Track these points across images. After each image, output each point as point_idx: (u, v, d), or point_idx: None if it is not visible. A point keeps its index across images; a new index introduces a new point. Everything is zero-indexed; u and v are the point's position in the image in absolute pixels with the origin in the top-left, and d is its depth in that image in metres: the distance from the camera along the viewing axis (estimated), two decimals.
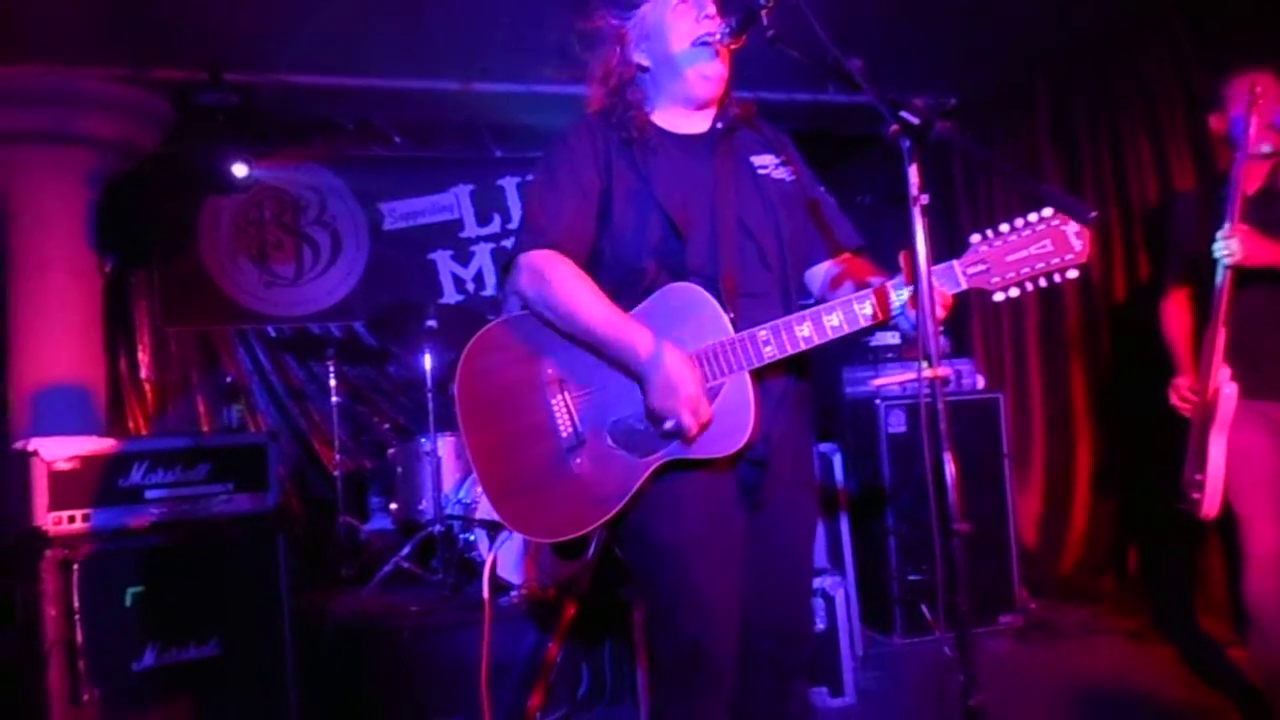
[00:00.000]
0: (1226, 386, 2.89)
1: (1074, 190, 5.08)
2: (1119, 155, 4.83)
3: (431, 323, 4.85)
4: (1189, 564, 4.27)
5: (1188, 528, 3.13)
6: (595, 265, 2.00)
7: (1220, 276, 2.84)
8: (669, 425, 1.82)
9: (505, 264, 2.03)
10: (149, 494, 3.36)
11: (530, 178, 2.21)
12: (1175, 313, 3.25)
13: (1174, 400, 3.11)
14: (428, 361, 4.97)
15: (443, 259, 6.41)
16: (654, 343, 1.84)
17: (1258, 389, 2.91)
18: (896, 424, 4.39)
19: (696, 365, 1.84)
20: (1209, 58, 4.24)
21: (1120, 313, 4.85)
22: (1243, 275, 2.85)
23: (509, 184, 6.46)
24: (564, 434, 1.92)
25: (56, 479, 3.19)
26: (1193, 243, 3.12)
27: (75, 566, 3.08)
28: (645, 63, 2.07)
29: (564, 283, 1.92)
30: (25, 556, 3.11)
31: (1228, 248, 2.81)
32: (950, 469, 1.56)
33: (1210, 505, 2.90)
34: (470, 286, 6.42)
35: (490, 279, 6.42)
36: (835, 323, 1.86)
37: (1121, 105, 4.78)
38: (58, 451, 3.22)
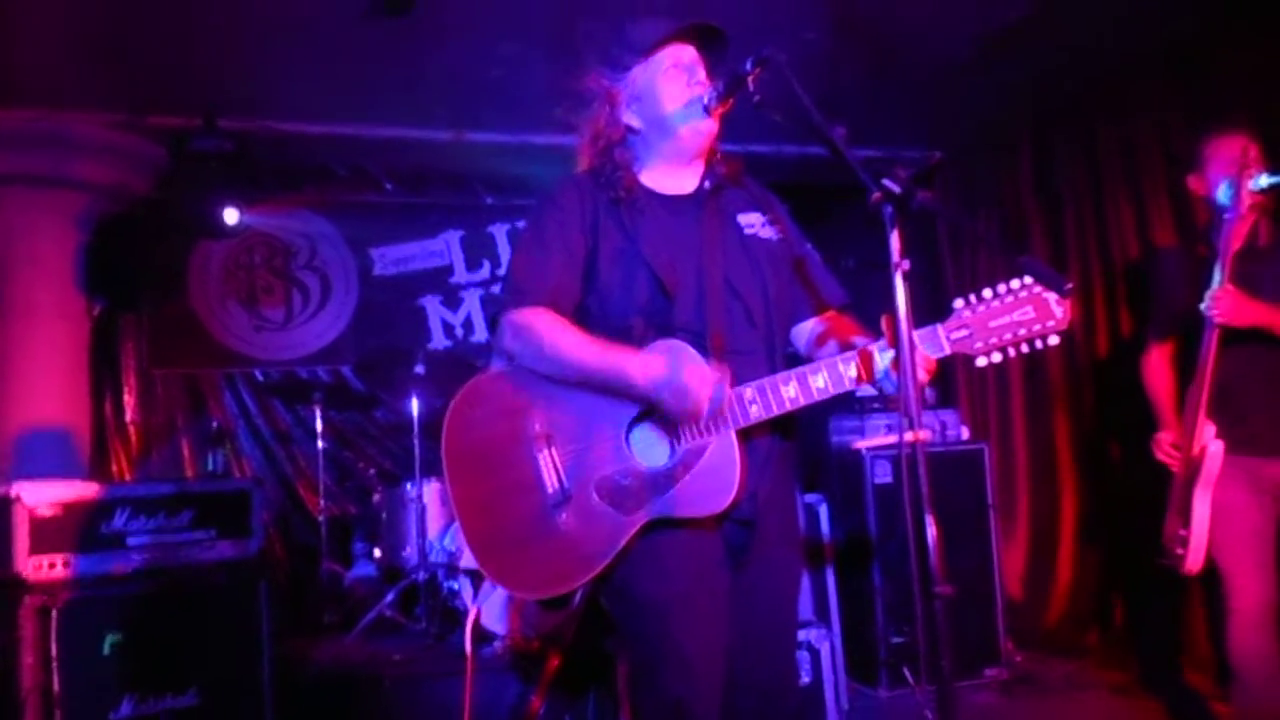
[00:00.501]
0: (1212, 444, 2.94)
1: (1057, 245, 5.16)
2: (1101, 211, 4.91)
3: (419, 368, 4.87)
4: (1174, 618, 4.28)
5: (1172, 581, 3.14)
6: (582, 322, 2.01)
7: (1206, 335, 2.90)
8: (703, 422, 1.85)
9: (491, 319, 2.05)
10: (131, 540, 3.34)
11: (518, 232, 2.24)
12: (1158, 367, 3.30)
13: (1158, 455, 3.14)
14: (415, 407, 4.97)
15: (432, 304, 6.43)
16: (647, 360, 1.86)
17: (1241, 444, 2.96)
18: (883, 474, 4.40)
19: (692, 356, 1.86)
20: (1189, 118, 4.33)
21: (1103, 365, 4.90)
22: (1227, 333, 2.90)
23: (499, 231, 6.51)
24: (550, 490, 1.92)
25: (37, 524, 3.17)
26: (1174, 298, 3.21)
27: (54, 613, 3.05)
28: (635, 124, 2.10)
29: (551, 330, 1.95)
30: (3, 602, 3.08)
31: (1216, 307, 2.86)
32: (932, 530, 1.57)
33: (1194, 561, 2.94)
34: (459, 332, 6.43)
35: (479, 325, 6.44)
36: (820, 384, 1.89)
37: (1103, 162, 4.87)
38: (40, 497, 3.20)
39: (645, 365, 1.87)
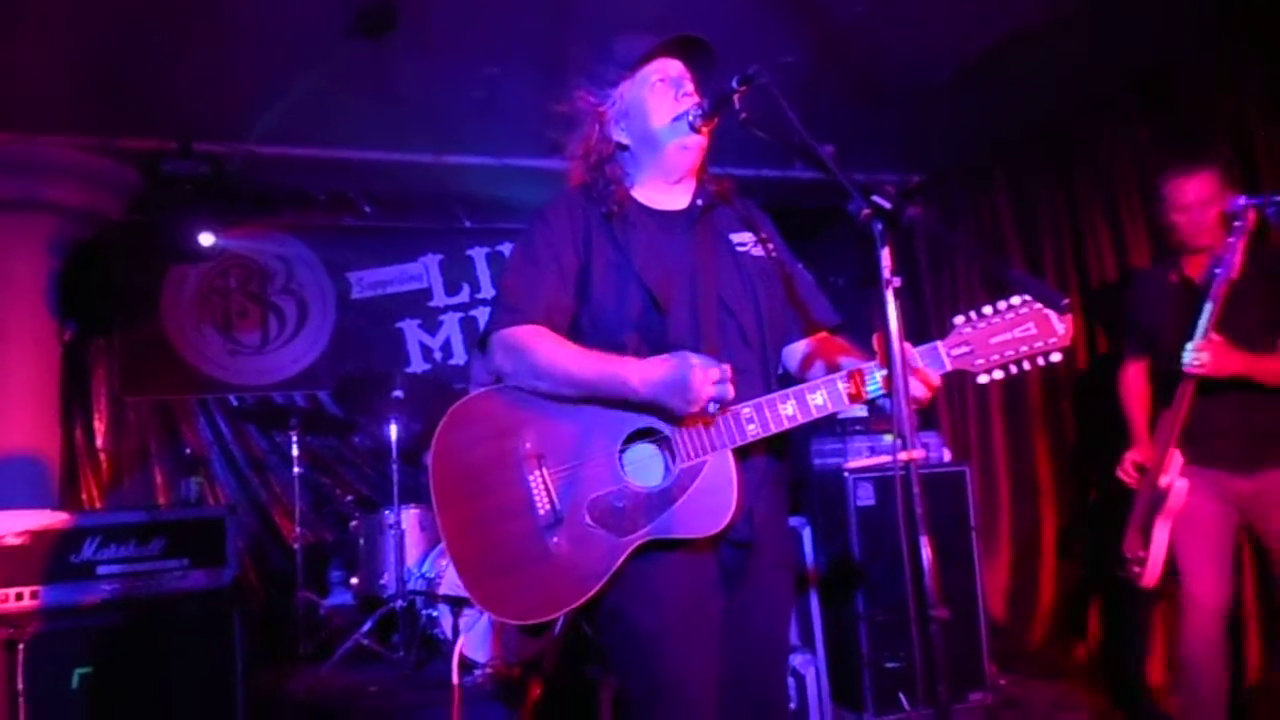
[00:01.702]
0: (1179, 481, 3.06)
1: (1035, 267, 5.20)
2: (1078, 232, 4.96)
3: (398, 393, 4.81)
4: (1144, 630, 4.32)
5: (1142, 596, 3.40)
6: (576, 338, 1.99)
7: (1182, 382, 2.99)
8: (712, 408, 1.81)
9: (480, 340, 2.02)
10: (101, 570, 3.27)
11: (508, 251, 2.22)
12: (1132, 384, 3.47)
13: (1119, 473, 3.32)
14: (393, 431, 4.92)
15: (410, 328, 6.39)
16: (640, 363, 1.84)
17: (1210, 459, 3.11)
18: (865, 497, 4.38)
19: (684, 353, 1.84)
20: (1160, 139, 4.40)
21: (1082, 386, 4.93)
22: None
23: (478, 254, 6.49)
24: (542, 512, 1.88)
25: (4, 555, 3.11)
26: (1148, 318, 3.31)
27: (21, 647, 2.97)
28: (625, 140, 2.09)
29: (543, 345, 1.92)
30: None
31: (1198, 359, 2.93)
32: (927, 552, 1.55)
33: (1150, 577, 3.10)
34: (438, 355, 6.39)
35: (458, 348, 6.39)
36: (819, 402, 1.87)
37: (1078, 185, 4.93)
38: (7, 526, 3.13)
39: (643, 369, 1.84)
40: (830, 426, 4.82)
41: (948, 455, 4.84)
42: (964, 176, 5.71)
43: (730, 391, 1.81)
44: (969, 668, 4.30)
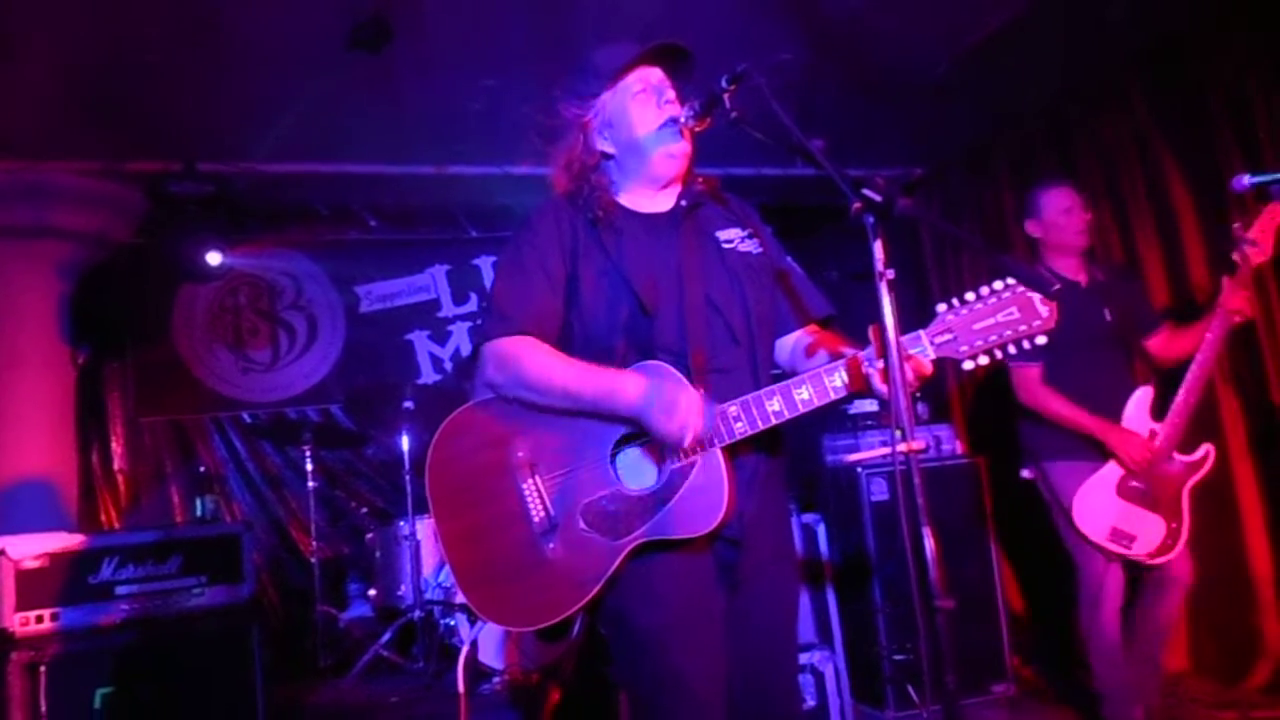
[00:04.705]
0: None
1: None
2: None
3: (409, 403, 4.84)
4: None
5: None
6: (566, 345, 1.99)
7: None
8: (687, 441, 1.81)
9: (475, 350, 2.03)
10: (119, 590, 3.29)
11: (498, 262, 2.22)
12: (1042, 386, 3.53)
13: (1140, 455, 3.33)
14: (405, 443, 4.94)
15: (420, 339, 6.42)
16: (633, 379, 1.85)
17: None
18: (879, 491, 4.36)
19: (681, 380, 1.85)
20: (1163, 123, 4.37)
21: None
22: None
23: (485, 263, 6.52)
24: (536, 519, 1.89)
25: (24, 578, 3.13)
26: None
27: (42, 669, 3.00)
28: (609, 149, 2.09)
29: (535, 357, 1.92)
30: None
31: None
32: (930, 543, 1.55)
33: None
34: (448, 366, 6.41)
35: (466, 357, 6.42)
36: (805, 396, 1.87)
37: (1082, 173, 4.89)
38: (25, 549, 3.16)
39: (634, 385, 1.85)
40: (841, 421, 4.81)
41: (961, 447, 4.82)
42: (966, 167, 5.69)
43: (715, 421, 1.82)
44: (990, 659, 4.28)
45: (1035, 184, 3.70)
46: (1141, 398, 3.33)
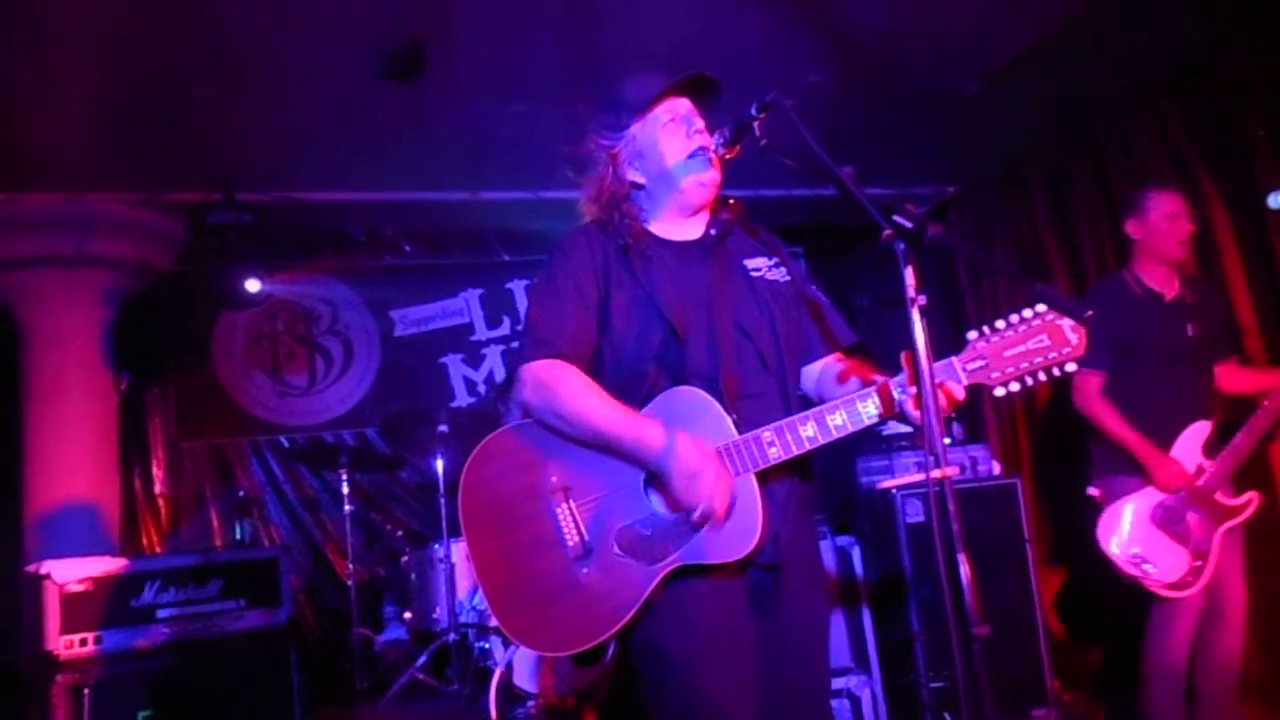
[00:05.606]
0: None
1: (1078, 276, 5.11)
2: (1118, 234, 4.85)
3: (443, 427, 4.88)
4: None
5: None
6: (597, 370, 2.01)
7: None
8: (698, 514, 1.80)
9: (509, 373, 2.05)
10: (160, 613, 3.34)
11: (531, 286, 2.25)
12: (1103, 399, 3.45)
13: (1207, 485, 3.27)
14: (440, 466, 4.97)
15: (454, 363, 6.47)
16: (666, 434, 1.84)
17: None
18: (914, 513, 4.31)
19: (714, 454, 1.84)
20: (1196, 139, 4.32)
21: None
22: None
23: (517, 287, 6.57)
24: (571, 544, 1.90)
25: (68, 601, 3.18)
26: (1118, 330, 3.34)
27: (86, 691, 3.04)
28: (639, 180, 2.12)
29: (571, 388, 1.93)
30: (35, 682, 3.08)
31: None
32: (965, 570, 1.54)
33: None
34: (482, 389, 6.46)
35: (502, 381, 6.46)
36: (839, 422, 1.87)
37: (1117, 189, 4.84)
38: (69, 573, 3.22)
39: (658, 439, 1.84)
40: (876, 444, 4.77)
41: (998, 468, 4.76)
42: (1000, 185, 5.66)
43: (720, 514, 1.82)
44: (1031, 683, 4.21)
45: (1144, 183, 3.58)
46: (1196, 431, 3.24)
